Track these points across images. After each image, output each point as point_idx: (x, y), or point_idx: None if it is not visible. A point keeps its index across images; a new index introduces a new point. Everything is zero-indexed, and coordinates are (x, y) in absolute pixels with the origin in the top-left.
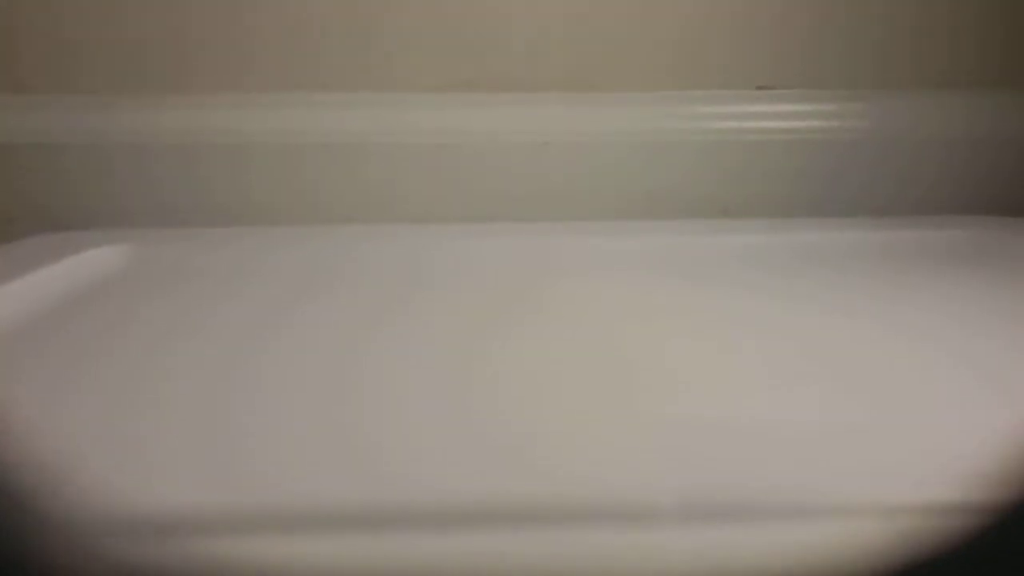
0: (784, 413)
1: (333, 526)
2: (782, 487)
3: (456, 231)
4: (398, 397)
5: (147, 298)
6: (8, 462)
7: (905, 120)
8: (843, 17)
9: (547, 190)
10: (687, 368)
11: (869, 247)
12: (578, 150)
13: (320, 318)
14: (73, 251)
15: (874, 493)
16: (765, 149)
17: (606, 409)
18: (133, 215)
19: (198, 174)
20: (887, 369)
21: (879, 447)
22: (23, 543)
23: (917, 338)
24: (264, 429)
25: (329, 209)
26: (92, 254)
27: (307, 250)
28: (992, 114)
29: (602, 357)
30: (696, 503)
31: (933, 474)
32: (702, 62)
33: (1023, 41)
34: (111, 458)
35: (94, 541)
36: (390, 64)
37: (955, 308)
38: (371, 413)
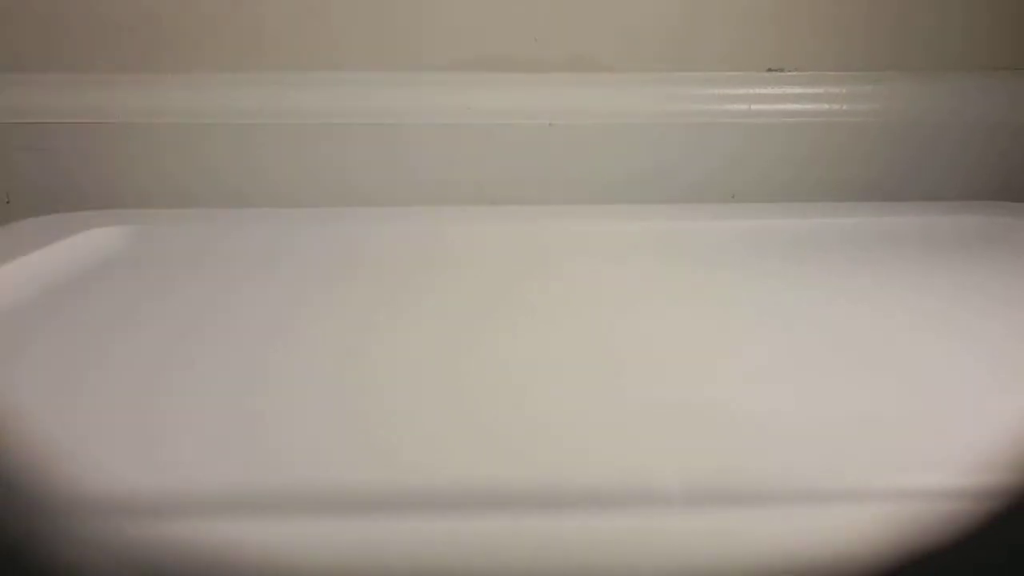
0: (789, 398)
1: (332, 510)
2: (787, 472)
3: (460, 214)
4: (401, 382)
5: (146, 279)
6: (6, 446)
7: (916, 104)
8: None
9: (552, 172)
10: (693, 353)
11: (878, 232)
12: (584, 132)
13: (324, 301)
14: (72, 232)
15: (880, 478)
16: (774, 132)
17: (610, 394)
18: (135, 195)
19: (201, 154)
20: (893, 354)
21: (885, 432)
22: (22, 527)
23: (925, 324)
24: (258, 413)
25: (332, 189)
26: (91, 235)
27: (313, 231)
28: (1004, 98)
29: (607, 342)
30: (700, 488)
31: (939, 459)
32: (711, 43)
33: None
34: (108, 441)
35: (91, 524)
36: (394, 44)
37: (964, 294)
38: (373, 398)
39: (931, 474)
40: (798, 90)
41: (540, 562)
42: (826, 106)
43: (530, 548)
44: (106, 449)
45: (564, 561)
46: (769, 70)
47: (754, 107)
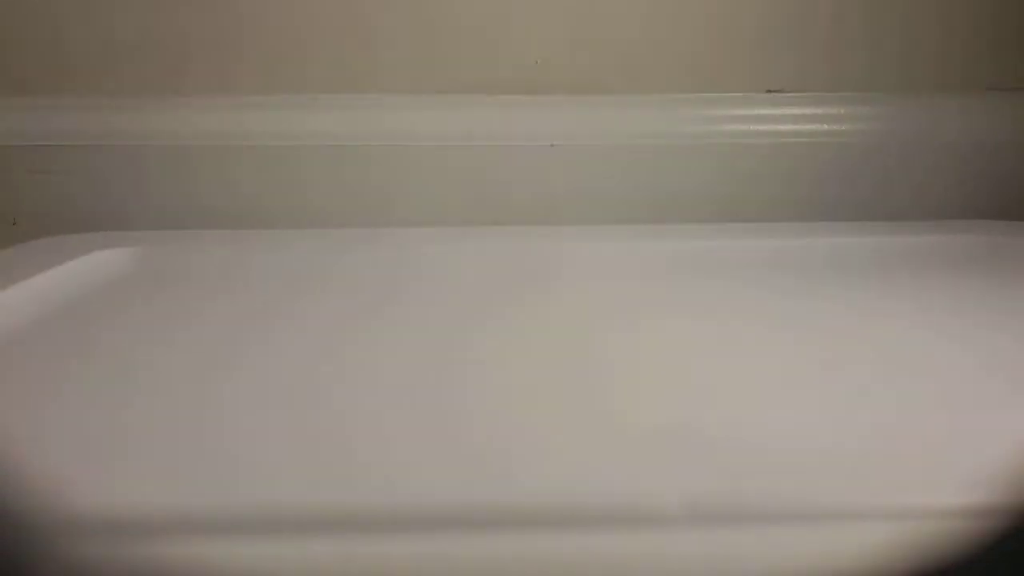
0: (792, 416)
1: (336, 530)
2: (791, 492)
3: (462, 235)
4: (394, 403)
5: (151, 301)
6: (6, 465)
7: (916, 124)
8: (854, 20)
9: (554, 193)
10: (696, 373)
11: (873, 251)
12: (586, 153)
13: (321, 321)
14: (78, 254)
15: (883, 497)
16: (774, 153)
17: (615, 413)
18: (140, 217)
19: (207, 176)
20: (890, 372)
21: (887, 451)
22: (13, 546)
23: (919, 342)
24: (254, 433)
25: (335, 213)
26: (96, 256)
27: (315, 253)
28: (1007, 118)
29: (611, 361)
30: (701, 506)
31: (940, 478)
32: (711, 65)
33: None
34: (110, 462)
35: (83, 543)
36: (397, 66)
37: (957, 311)
38: (367, 419)
39: (937, 493)
40: (797, 111)
41: None
42: (825, 127)
43: (527, 568)
44: (103, 470)
45: None
46: (768, 91)
47: (753, 128)
